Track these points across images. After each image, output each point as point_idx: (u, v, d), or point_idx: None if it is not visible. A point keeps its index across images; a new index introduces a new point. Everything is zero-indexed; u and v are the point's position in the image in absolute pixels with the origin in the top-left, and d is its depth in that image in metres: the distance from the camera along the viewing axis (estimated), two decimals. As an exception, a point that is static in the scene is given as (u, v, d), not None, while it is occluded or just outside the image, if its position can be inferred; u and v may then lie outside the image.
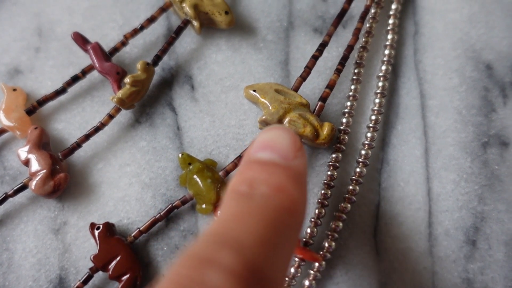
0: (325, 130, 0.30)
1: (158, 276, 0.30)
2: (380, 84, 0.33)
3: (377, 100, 0.33)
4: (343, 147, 0.31)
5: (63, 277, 0.30)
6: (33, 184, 0.30)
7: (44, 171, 0.30)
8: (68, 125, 0.34)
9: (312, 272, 0.29)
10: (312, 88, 0.34)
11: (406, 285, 0.30)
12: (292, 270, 0.29)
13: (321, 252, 0.30)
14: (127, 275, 0.29)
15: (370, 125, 0.32)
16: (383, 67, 0.33)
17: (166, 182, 0.32)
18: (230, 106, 0.34)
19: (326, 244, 0.29)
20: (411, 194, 0.31)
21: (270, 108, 0.30)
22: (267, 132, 0.24)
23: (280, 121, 0.30)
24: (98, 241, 0.29)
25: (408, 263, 0.30)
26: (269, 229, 0.19)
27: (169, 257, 0.30)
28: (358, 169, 0.31)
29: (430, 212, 0.31)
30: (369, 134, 0.32)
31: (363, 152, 0.31)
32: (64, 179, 0.31)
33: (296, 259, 0.29)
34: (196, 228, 0.31)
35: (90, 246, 0.31)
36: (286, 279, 0.29)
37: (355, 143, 0.32)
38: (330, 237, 0.30)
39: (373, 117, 0.32)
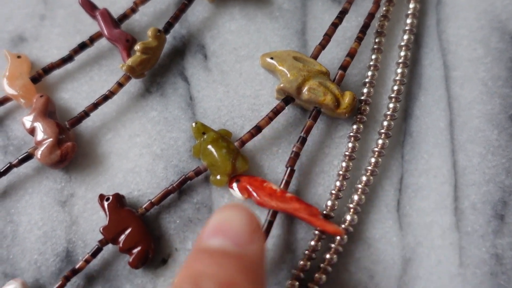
0: (347, 99, 0.29)
1: (170, 250, 0.29)
2: (402, 53, 0.32)
3: (399, 70, 0.31)
4: (365, 117, 0.30)
5: (71, 250, 0.29)
6: (39, 153, 0.29)
7: (51, 139, 0.29)
8: (75, 95, 0.32)
9: (333, 245, 0.28)
10: (331, 58, 0.32)
11: (431, 261, 0.28)
12: (312, 243, 0.28)
13: (343, 226, 0.28)
14: (138, 248, 0.27)
15: (392, 95, 0.31)
16: (405, 37, 0.32)
17: (179, 153, 0.30)
18: (245, 76, 0.32)
19: (348, 217, 0.28)
20: (436, 167, 0.30)
21: (289, 75, 0.29)
22: (220, 212, 0.22)
23: (299, 89, 0.28)
24: (107, 213, 0.28)
25: (433, 238, 0.29)
26: None
27: (182, 230, 0.29)
28: (380, 141, 0.30)
29: (456, 185, 0.29)
30: (391, 105, 0.30)
31: (385, 123, 0.30)
32: (72, 148, 0.29)
33: (316, 232, 0.28)
34: (210, 201, 0.30)
35: (99, 219, 0.29)
36: (306, 252, 0.27)
37: (376, 114, 0.31)
38: (351, 210, 0.28)
39: (396, 88, 0.31)
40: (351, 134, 0.30)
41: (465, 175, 0.30)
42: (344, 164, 0.29)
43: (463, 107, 0.31)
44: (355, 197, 0.29)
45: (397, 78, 0.31)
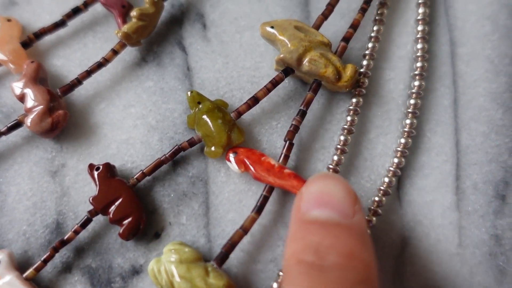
0: (348, 71, 0.28)
1: (164, 224, 0.28)
2: (420, 28, 0.31)
3: (419, 46, 0.30)
4: (363, 91, 0.29)
5: (61, 222, 0.28)
6: (28, 120, 0.28)
7: (41, 107, 0.28)
8: (68, 62, 0.31)
9: None
10: (335, 31, 0.31)
11: (430, 240, 0.28)
12: None
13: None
14: (129, 219, 0.27)
15: (416, 73, 0.30)
16: (420, 10, 0.31)
17: (175, 125, 0.30)
18: (245, 47, 0.31)
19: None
20: (438, 145, 0.29)
21: (289, 45, 0.28)
22: (316, 183, 0.22)
23: (299, 60, 0.28)
24: (97, 182, 0.27)
25: (433, 217, 0.28)
26: None
27: (176, 204, 0.28)
28: (408, 121, 0.29)
29: (458, 164, 0.29)
30: (416, 83, 0.30)
31: (411, 101, 0.30)
32: (63, 116, 0.29)
33: None
34: (206, 174, 0.29)
35: (90, 191, 0.29)
36: None
37: (377, 88, 0.30)
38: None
39: (419, 64, 0.30)
40: (350, 107, 0.29)
41: (468, 154, 0.29)
42: (342, 138, 0.29)
43: (468, 84, 0.31)
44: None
45: (419, 54, 0.30)
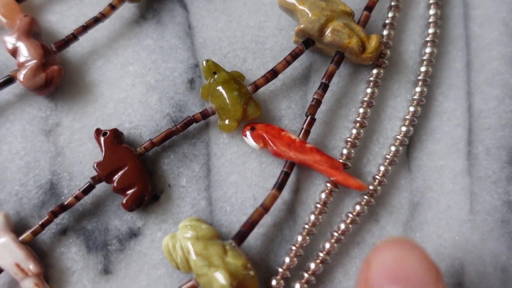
0: (373, 42, 0.27)
1: (163, 186, 0.27)
2: None
3: (432, 12, 0.30)
4: (386, 62, 0.28)
5: (55, 182, 0.27)
6: (21, 75, 0.27)
7: (35, 61, 0.27)
8: (63, 18, 0.30)
9: (358, 207, 0.26)
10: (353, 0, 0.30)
11: (440, 205, 0.27)
12: (323, 196, 0.26)
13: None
14: (134, 189, 0.26)
15: (428, 39, 0.29)
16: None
17: (175, 85, 0.29)
18: (249, 6, 0.30)
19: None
20: (450, 109, 0.29)
21: (310, 15, 0.27)
22: (389, 250, 0.19)
23: (321, 30, 0.27)
24: (103, 148, 0.26)
25: (444, 182, 0.28)
26: None
27: (176, 166, 0.27)
28: (418, 88, 0.28)
29: (470, 129, 0.28)
30: (428, 50, 0.29)
31: (422, 69, 0.29)
32: (58, 72, 0.28)
33: (329, 184, 0.26)
34: (207, 136, 0.28)
35: (86, 151, 0.28)
36: (318, 205, 0.26)
37: (397, 59, 0.29)
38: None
39: (431, 31, 0.30)
40: (371, 79, 0.28)
41: (480, 119, 0.29)
42: (361, 110, 0.28)
43: (482, 48, 0.30)
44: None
45: (431, 20, 0.30)
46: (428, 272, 0.18)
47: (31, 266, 0.25)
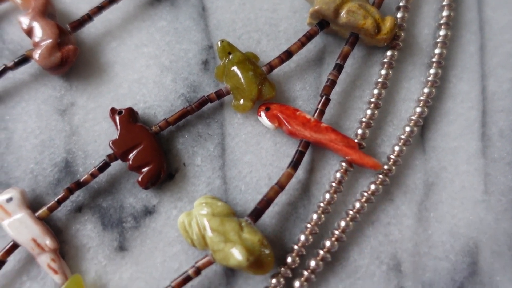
0: (387, 24, 0.27)
1: (178, 164, 0.27)
2: None
3: None
4: (400, 44, 0.29)
5: (70, 160, 0.27)
6: (37, 54, 0.27)
7: (50, 40, 0.27)
8: (78, -1, 0.30)
9: (373, 186, 0.26)
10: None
11: (455, 186, 0.27)
12: (338, 175, 0.26)
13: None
14: (149, 166, 0.26)
15: (442, 22, 0.30)
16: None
17: (189, 66, 0.29)
18: (263, -12, 0.30)
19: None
20: (464, 91, 0.29)
21: None
22: None
23: (336, 11, 0.27)
24: (119, 127, 0.26)
25: (458, 163, 0.28)
26: None
27: (190, 145, 0.28)
28: (432, 70, 0.28)
29: (484, 111, 0.28)
30: (442, 32, 0.29)
31: (436, 51, 0.29)
32: (73, 51, 0.28)
33: (344, 164, 0.26)
34: (221, 116, 0.28)
35: (101, 130, 0.28)
36: (333, 184, 0.26)
37: (411, 41, 0.29)
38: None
39: (445, 13, 0.30)
40: (385, 60, 0.29)
41: (494, 101, 0.29)
42: (376, 91, 0.28)
43: (495, 31, 0.30)
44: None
45: (445, 3, 0.30)
46: None
47: (47, 242, 0.25)
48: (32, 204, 0.27)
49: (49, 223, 0.26)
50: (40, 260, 0.25)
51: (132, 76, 0.29)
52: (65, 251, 0.27)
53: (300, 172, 0.28)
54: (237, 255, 0.24)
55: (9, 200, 0.26)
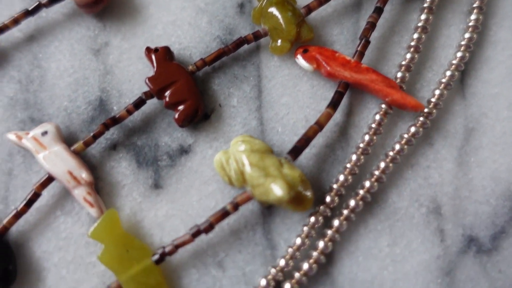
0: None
1: (214, 105, 0.27)
2: None
3: None
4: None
5: (104, 99, 0.27)
6: (73, -10, 0.27)
7: (87, -23, 0.27)
8: None
9: (413, 129, 0.26)
10: None
11: (495, 132, 0.27)
12: (378, 117, 0.26)
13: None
14: (186, 104, 0.25)
15: None
16: None
17: (225, 9, 0.29)
18: None
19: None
20: (504, 39, 0.28)
21: None
22: None
23: None
24: (155, 64, 0.26)
25: (499, 109, 0.27)
26: None
27: (226, 86, 0.27)
28: (473, 16, 0.28)
29: (525, 59, 0.28)
30: None
31: None
32: (109, -11, 0.27)
33: (383, 106, 0.26)
34: (258, 58, 0.28)
35: (135, 70, 0.28)
36: (372, 126, 0.26)
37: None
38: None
39: None
40: (425, 5, 0.28)
41: (538, 48, 0.28)
42: (416, 36, 0.28)
43: (537, -20, 0.29)
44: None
45: None
46: None
47: (83, 175, 0.25)
48: (66, 140, 0.26)
49: (83, 160, 0.26)
50: (75, 194, 0.25)
51: (167, 18, 0.29)
52: (99, 188, 0.26)
53: (338, 115, 0.27)
54: (277, 189, 0.23)
55: (44, 133, 0.25)
